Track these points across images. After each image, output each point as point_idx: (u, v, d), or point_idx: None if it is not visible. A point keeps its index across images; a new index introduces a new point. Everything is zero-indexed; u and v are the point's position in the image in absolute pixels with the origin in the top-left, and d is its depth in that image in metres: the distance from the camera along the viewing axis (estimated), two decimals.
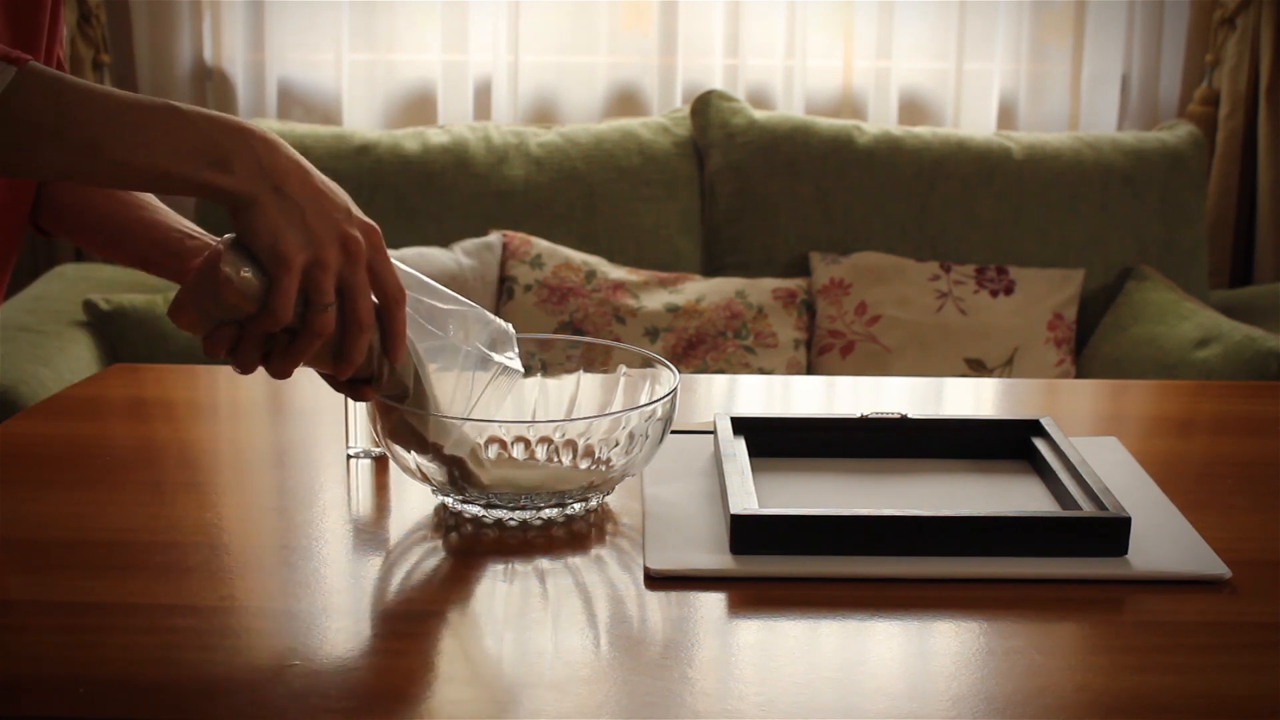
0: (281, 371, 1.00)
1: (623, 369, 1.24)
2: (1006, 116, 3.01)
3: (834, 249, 2.70)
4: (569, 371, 1.25)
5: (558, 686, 0.90)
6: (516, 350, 1.13)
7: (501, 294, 2.57)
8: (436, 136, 2.73)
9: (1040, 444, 1.24)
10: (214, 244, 1.14)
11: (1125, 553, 1.07)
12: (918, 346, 2.58)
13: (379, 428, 1.12)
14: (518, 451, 1.15)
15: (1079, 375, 2.63)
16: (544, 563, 1.07)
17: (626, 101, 2.98)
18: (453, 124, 2.83)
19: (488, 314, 1.12)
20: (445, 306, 1.09)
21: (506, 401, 1.14)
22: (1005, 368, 2.58)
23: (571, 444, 1.16)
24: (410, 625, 0.99)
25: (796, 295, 2.61)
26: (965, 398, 1.59)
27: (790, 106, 2.94)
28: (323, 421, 1.37)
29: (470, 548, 1.09)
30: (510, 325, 1.14)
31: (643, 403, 1.19)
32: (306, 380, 1.57)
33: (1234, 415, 1.48)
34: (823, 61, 2.97)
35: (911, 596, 1.02)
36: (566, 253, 2.60)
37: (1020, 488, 1.21)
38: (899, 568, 1.05)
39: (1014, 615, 1.00)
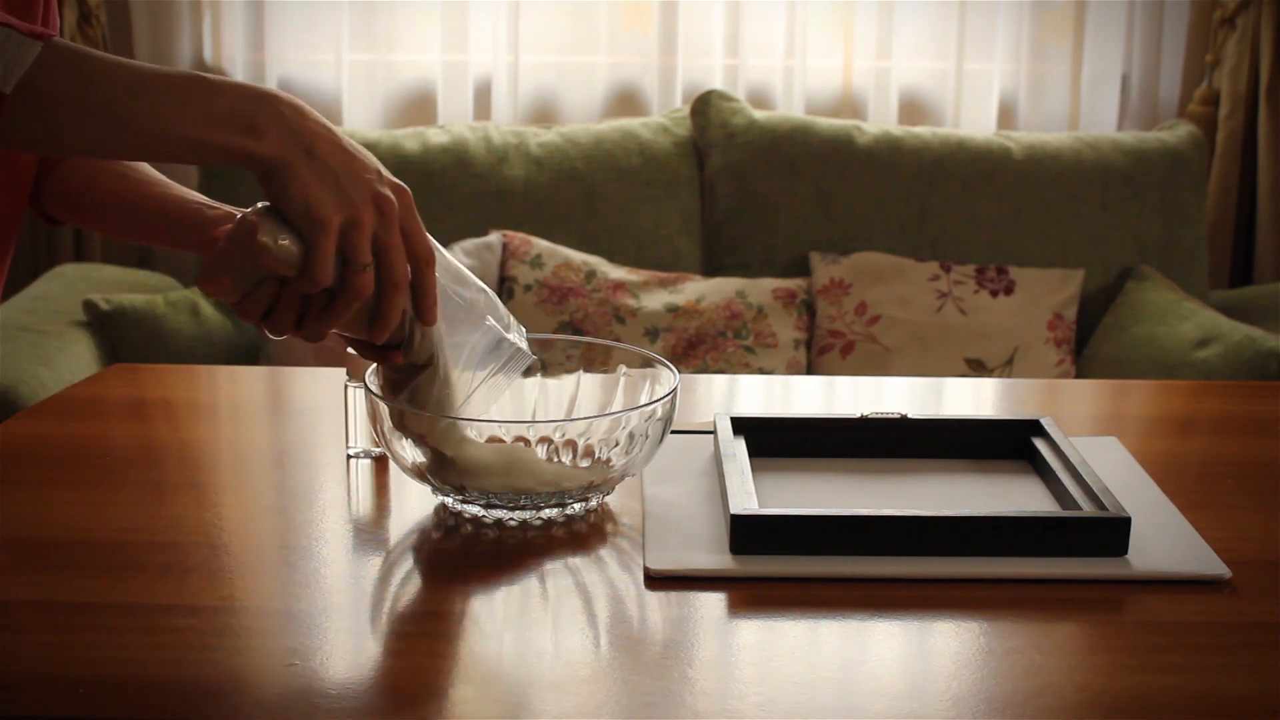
0: (316, 334, 1.01)
1: (623, 369, 1.24)
2: (1006, 116, 3.01)
3: (834, 249, 2.70)
4: (569, 371, 1.25)
5: (558, 686, 0.90)
6: (524, 334, 1.14)
7: (501, 294, 2.57)
8: (436, 136, 2.73)
9: (1040, 444, 1.24)
10: (236, 213, 1.15)
11: (1125, 553, 1.07)
12: (918, 346, 2.58)
13: (385, 394, 1.11)
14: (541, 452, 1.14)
15: (1079, 375, 2.63)
16: (544, 563, 1.07)
17: (626, 101, 2.98)
18: (453, 124, 2.83)
19: (497, 299, 1.13)
20: (464, 290, 1.10)
21: (509, 387, 1.14)
22: (1005, 368, 2.58)
23: (571, 444, 1.16)
24: (410, 625, 0.99)
25: (796, 295, 2.61)
26: (965, 398, 1.59)
27: (790, 106, 2.94)
28: (323, 421, 1.37)
29: (470, 548, 1.09)
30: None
31: (643, 403, 1.19)
32: (306, 380, 1.58)
33: (1234, 415, 1.48)
34: (823, 61, 2.97)
35: (911, 596, 1.02)
36: (566, 253, 2.60)
37: (1020, 488, 1.21)
38: (899, 568, 1.05)
39: (1014, 615, 1.00)
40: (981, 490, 1.20)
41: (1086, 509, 1.11)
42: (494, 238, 2.61)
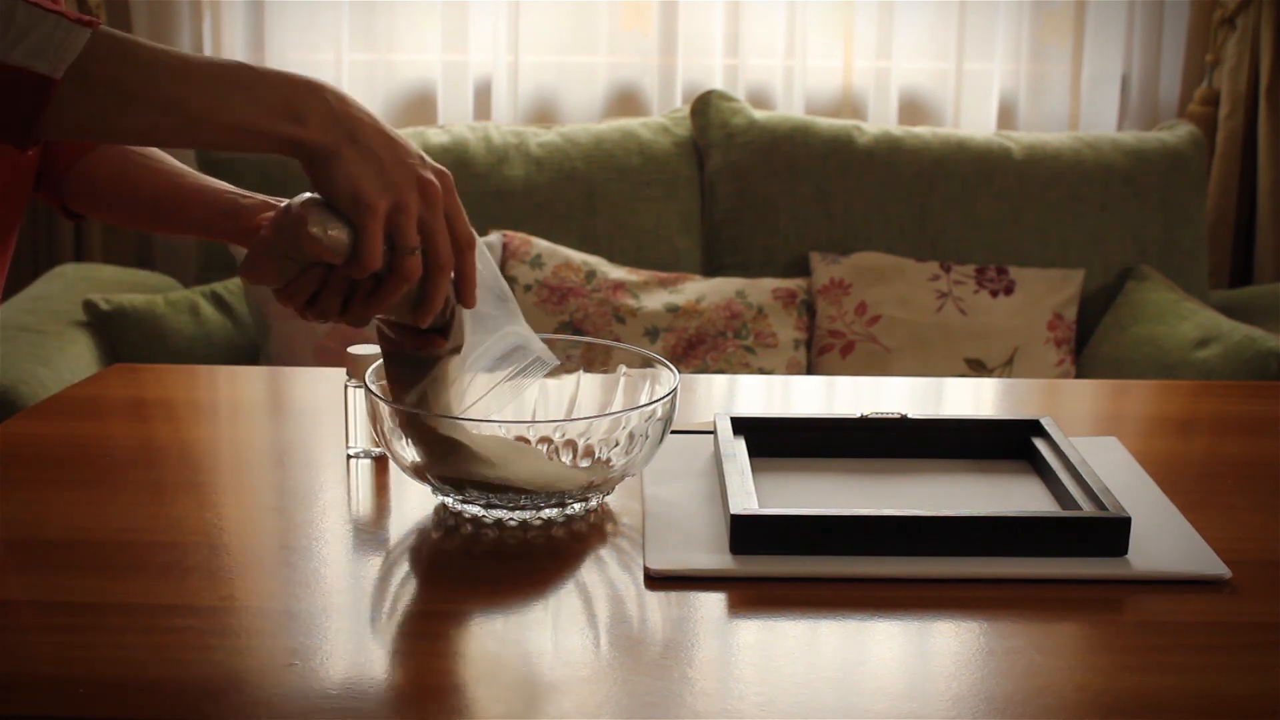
0: (360, 319, 1.02)
1: (623, 369, 1.24)
2: (1006, 116, 3.01)
3: (834, 249, 2.70)
4: (569, 371, 1.25)
5: (558, 686, 0.90)
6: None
7: None
8: (436, 136, 2.73)
9: (1040, 444, 1.24)
10: (271, 202, 1.15)
11: (1125, 553, 1.07)
12: (918, 346, 2.58)
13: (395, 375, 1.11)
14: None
15: (1079, 375, 2.63)
16: (544, 562, 1.07)
17: (626, 101, 2.98)
18: (453, 124, 2.83)
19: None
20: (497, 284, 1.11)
21: (522, 393, 1.15)
22: (1005, 368, 2.58)
23: (571, 444, 1.16)
24: (410, 625, 0.99)
25: (796, 295, 2.61)
26: (965, 398, 1.59)
27: (790, 106, 2.94)
28: (323, 421, 1.37)
29: (470, 548, 1.09)
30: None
31: (643, 403, 1.19)
32: (306, 380, 1.58)
33: (1234, 415, 1.48)
34: (823, 61, 2.97)
35: (911, 596, 1.02)
36: (566, 253, 2.60)
37: (1020, 488, 1.21)
38: (899, 568, 1.05)
39: (1014, 615, 1.00)
40: (981, 490, 1.20)
41: (1086, 509, 1.11)
42: (494, 238, 2.61)
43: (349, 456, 1.27)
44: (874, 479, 1.23)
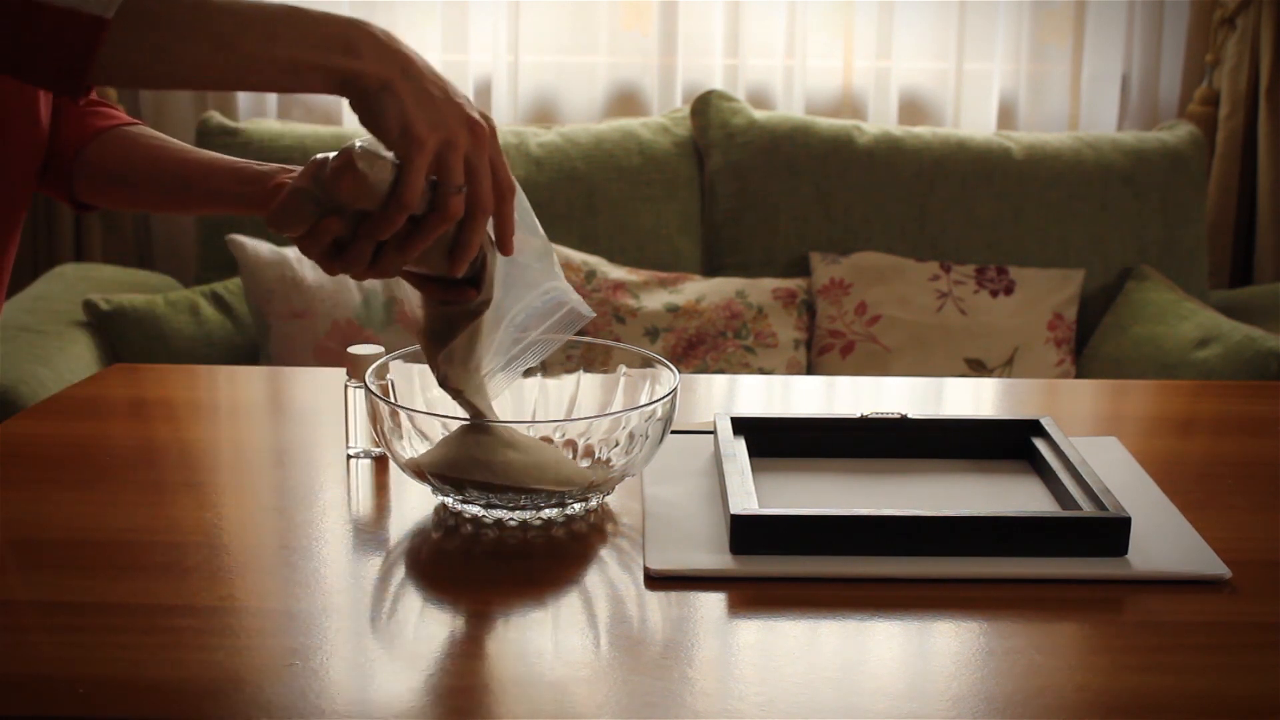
0: (392, 267, 1.00)
1: (623, 369, 1.24)
2: (1006, 116, 3.01)
3: (834, 249, 2.70)
4: (569, 371, 1.25)
5: (558, 686, 0.90)
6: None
7: None
8: None
9: (1040, 444, 1.24)
10: (290, 169, 1.14)
11: (1125, 553, 1.07)
12: (918, 346, 2.58)
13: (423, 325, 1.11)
14: None
15: (1079, 375, 2.63)
16: (544, 563, 1.07)
17: (626, 101, 2.98)
18: None
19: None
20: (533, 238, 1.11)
21: (557, 347, 1.14)
22: (1005, 368, 2.58)
23: (571, 444, 1.16)
24: (410, 625, 0.99)
25: (796, 295, 2.61)
26: (965, 398, 1.59)
27: (790, 106, 2.94)
28: (323, 421, 1.37)
29: (470, 548, 1.09)
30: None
31: (643, 403, 1.19)
32: (306, 380, 1.58)
33: (1234, 415, 1.48)
34: (823, 61, 2.97)
35: (911, 596, 1.02)
36: (566, 253, 2.60)
37: (1020, 488, 1.21)
38: (899, 568, 1.05)
39: (1014, 615, 1.00)
40: (981, 490, 1.20)
41: (1086, 509, 1.11)
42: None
43: (349, 456, 1.27)
44: (874, 479, 1.23)
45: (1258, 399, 1.54)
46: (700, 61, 2.95)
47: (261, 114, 2.94)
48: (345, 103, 2.68)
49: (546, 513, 1.13)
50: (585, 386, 1.25)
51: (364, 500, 1.20)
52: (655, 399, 1.15)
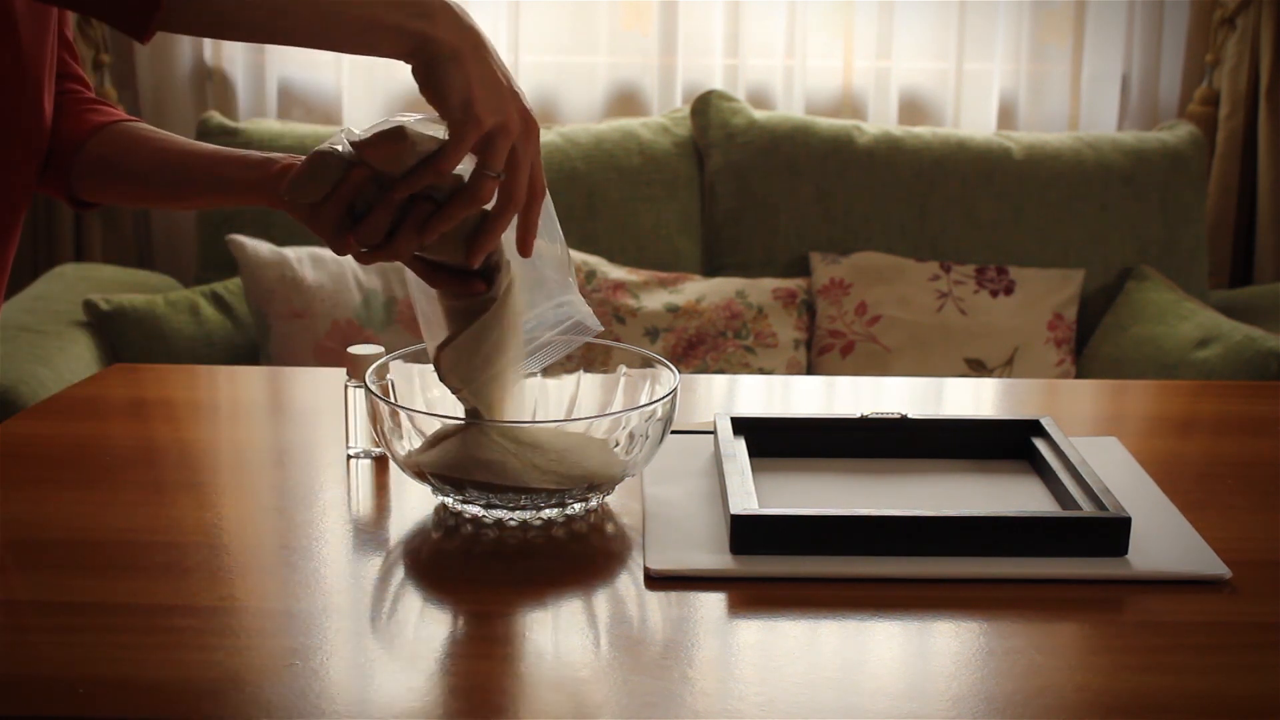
0: (407, 246, 0.99)
1: (623, 369, 1.24)
2: (1006, 116, 3.01)
3: (834, 249, 2.70)
4: (569, 371, 1.25)
5: (558, 686, 0.90)
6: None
7: None
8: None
9: (1040, 444, 1.24)
10: (295, 159, 1.13)
11: (1125, 553, 1.07)
12: (918, 346, 2.58)
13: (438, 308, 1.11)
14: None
15: (1079, 375, 2.63)
16: (544, 563, 1.07)
17: (626, 101, 2.98)
18: None
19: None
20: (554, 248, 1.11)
21: (564, 353, 1.14)
22: (1005, 368, 2.58)
23: None
24: (410, 625, 0.99)
25: (796, 295, 2.61)
26: (965, 398, 1.59)
27: (790, 106, 2.94)
28: (323, 421, 1.37)
29: (470, 548, 1.09)
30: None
31: (643, 403, 1.19)
32: (306, 380, 1.58)
33: (1234, 415, 1.48)
34: (823, 61, 2.97)
35: (911, 596, 1.02)
36: None
37: (1020, 488, 1.21)
38: (899, 568, 1.05)
39: (1014, 615, 1.00)
40: (981, 490, 1.20)
41: (1086, 509, 1.11)
42: None
43: (349, 456, 1.27)
44: (874, 479, 1.23)
45: (1258, 399, 1.54)
46: (700, 61, 2.95)
47: (261, 114, 2.94)
48: (345, 102, 2.67)
49: (546, 513, 1.13)
50: (585, 386, 1.24)
51: (364, 500, 1.20)
52: (655, 399, 1.15)
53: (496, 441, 1.10)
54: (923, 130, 2.78)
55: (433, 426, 1.13)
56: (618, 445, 1.13)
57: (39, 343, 2.28)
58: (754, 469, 1.18)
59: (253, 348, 2.54)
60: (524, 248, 1.04)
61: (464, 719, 0.88)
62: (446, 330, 1.10)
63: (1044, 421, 1.27)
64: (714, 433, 1.26)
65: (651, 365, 1.22)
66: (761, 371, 2.53)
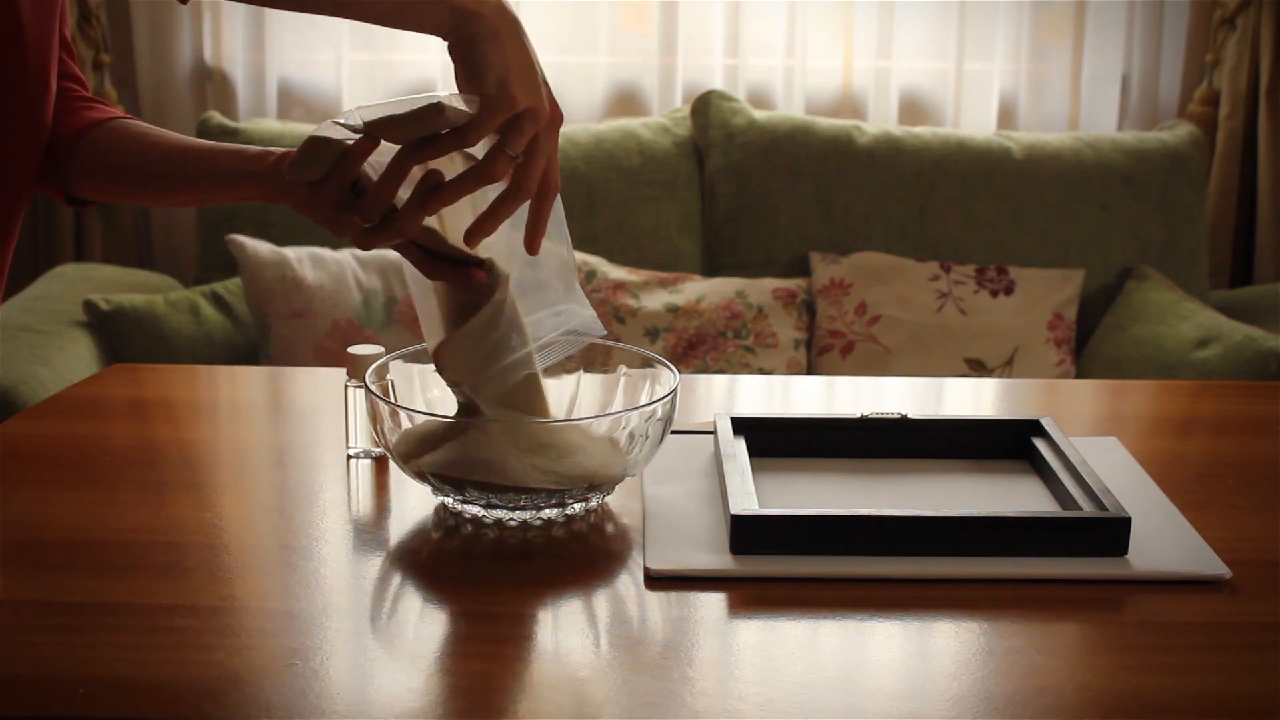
0: (411, 222, 0.99)
1: (623, 369, 1.24)
2: (1006, 116, 3.01)
3: (834, 249, 2.70)
4: (569, 371, 1.25)
5: (558, 686, 0.90)
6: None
7: None
8: None
9: (1040, 444, 1.24)
10: (291, 150, 1.13)
11: (1125, 553, 1.07)
12: (918, 346, 2.58)
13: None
14: None
15: (1079, 375, 2.63)
16: (544, 563, 1.07)
17: (626, 101, 2.98)
18: None
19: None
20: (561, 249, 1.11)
21: (565, 355, 1.14)
22: (1005, 368, 2.58)
23: None
24: (410, 625, 0.99)
25: (796, 295, 2.62)
26: (965, 398, 1.59)
27: (790, 106, 2.94)
28: (323, 421, 1.37)
29: (470, 548, 1.09)
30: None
31: (643, 403, 1.19)
32: (306, 380, 1.58)
33: (1234, 415, 1.48)
34: (823, 61, 2.97)
35: (911, 596, 1.02)
36: None
37: (1020, 488, 1.21)
38: (899, 568, 1.05)
39: (1014, 615, 1.00)
40: (981, 490, 1.20)
41: (1086, 509, 1.11)
42: None
43: (349, 456, 1.27)
44: (874, 479, 1.23)
45: (1258, 399, 1.54)
46: (700, 61, 2.95)
47: (261, 114, 2.94)
48: (345, 103, 2.68)
49: (546, 513, 1.13)
50: (585, 386, 1.24)
51: (364, 500, 1.20)
52: (655, 399, 1.15)
53: (496, 441, 1.09)
54: (923, 130, 2.78)
55: (433, 427, 1.13)
56: (618, 445, 1.13)
57: (39, 343, 2.28)
58: (754, 469, 1.18)
59: (253, 348, 2.54)
60: (532, 245, 1.04)
61: (464, 719, 0.88)
62: (445, 326, 1.10)
63: (1044, 421, 1.27)
64: (714, 433, 1.26)
65: (651, 365, 1.22)
66: (761, 371, 2.53)
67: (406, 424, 1.13)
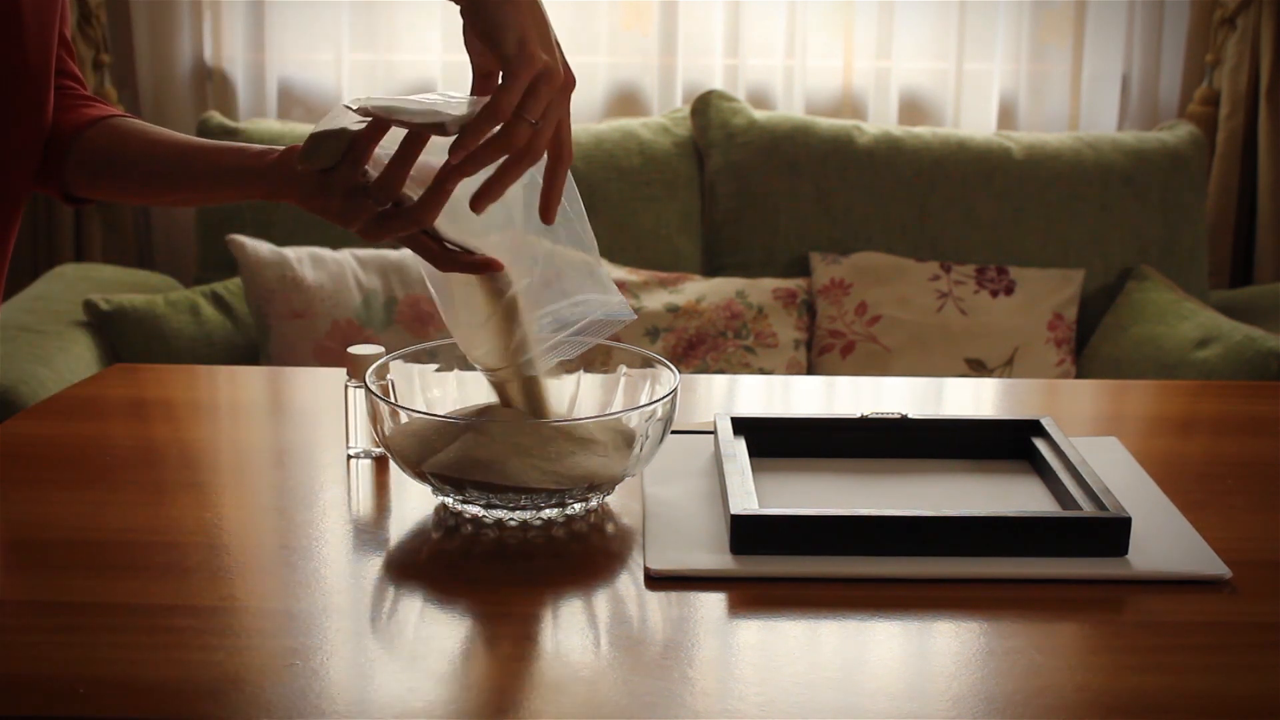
0: (434, 204, 0.99)
1: (623, 369, 1.24)
2: (1006, 116, 3.01)
3: (834, 249, 2.70)
4: (569, 371, 1.25)
5: (558, 686, 0.90)
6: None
7: None
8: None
9: (1040, 444, 1.24)
10: (293, 147, 1.13)
11: (1125, 553, 1.07)
12: (918, 346, 2.58)
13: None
14: None
15: (1079, 375, 2.63)
16: (544, 563, 1.07)
17: (626, 101, 2.98)
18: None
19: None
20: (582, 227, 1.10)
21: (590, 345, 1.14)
22: (1005, 368, 2.58)
23: None
24: (410, 625, 0.99)
25: (796, 295, 2.61)
26: (965, 398, 1.59)
27: (790, 106, 2.94)
28: (323, 421, 1.37)
29: (470, 548, 1.09)
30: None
31: (643, 403, 1.19)
32: (306, 380, 1.58)
33: (1234, 415, 1.48)
34: (823, 61, 2.97)
35: (911, 596, 1.02)
36: None
37: (1020, 488, 1.21)
38: (899, 568, 1.05)
39: (1014, 615, 1.00)
40: (981, 490, 1.20)
41: (1086, 509, 1.11)
42: None
43: (349, 456, 1.27)
44: (874, 479, 1.23)
45: (1258, 399, 1.54)
46: (700, 61, 2.95)
47: (261, 114, 2.94)
48: (347, 99, 2.69)
49: (546, 513, 1.13)
50: (585, 386, 1.24)
51: (364, 500, 1.20)
52: (655, 399, 1.15)
53: (496, 441, 1.10)
54: (923, 130, 2.78)
55: (433, 427, 1.13)
56: (618, 445, 1.13)
57: (39, 343, 2.28)
58: (754, 469, 1.18)
59: (253, 348, 2.54)
60: (547, 214, 1.03)
61: (464, 719, 0.88)
62: (468, 311, 1.09)
63: (1044, 421, 1.27)
64: (714, 433, 1.26)
65: (651, 365, 1.22)
66: (761, 371, 2.53)
67: (406, 424, 1.13)
